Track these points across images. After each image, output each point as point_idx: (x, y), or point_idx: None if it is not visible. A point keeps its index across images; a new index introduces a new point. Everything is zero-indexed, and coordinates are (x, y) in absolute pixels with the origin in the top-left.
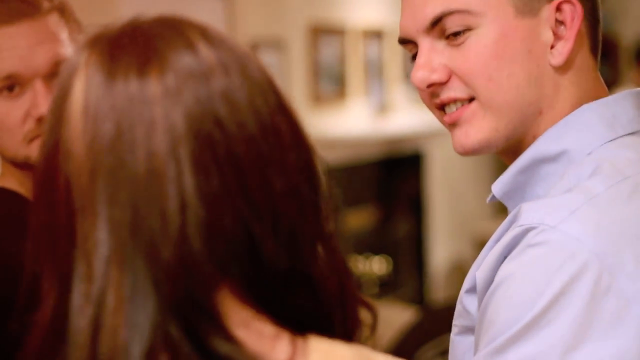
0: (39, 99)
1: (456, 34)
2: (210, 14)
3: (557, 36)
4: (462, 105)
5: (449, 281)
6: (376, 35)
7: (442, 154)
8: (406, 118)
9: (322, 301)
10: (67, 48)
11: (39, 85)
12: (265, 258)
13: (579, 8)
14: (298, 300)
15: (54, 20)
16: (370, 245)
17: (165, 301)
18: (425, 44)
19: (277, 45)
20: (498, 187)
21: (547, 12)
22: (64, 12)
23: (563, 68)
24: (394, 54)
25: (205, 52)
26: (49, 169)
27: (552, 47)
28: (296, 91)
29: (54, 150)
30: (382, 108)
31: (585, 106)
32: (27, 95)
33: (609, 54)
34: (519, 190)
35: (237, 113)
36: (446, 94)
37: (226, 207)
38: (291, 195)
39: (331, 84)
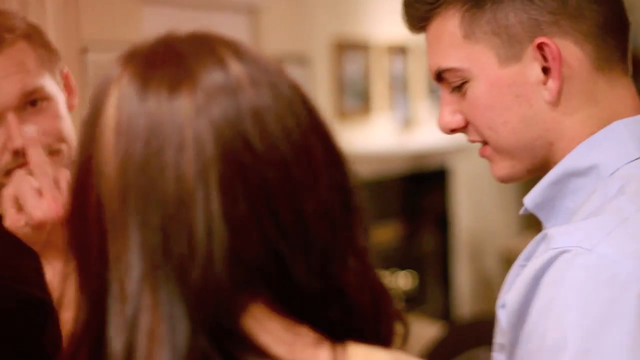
0: (13, 131)
1: (459, 87)
2: (234, 29)
3: (548, 72)
4: (483, 145)
5: (475, 297)
6: (401, 50)
7: (468, 169)
8: (431, 133)
9: (356, 314)
10: (38, 74)
11: (10, 118)
12: (295, 278)
13: (553, 48)
14: (331, 314)
15: (20, 50)
16: (396, 260)
17: (198, 323)
18: (444, 93)
19: (302, 60)
20: (530, 199)
21: (531, 54)
22: (30, 38)
23: (559, 101)
24: (419, 69)
25: (236, 69)
26: (81, 187)
27: (544, 82)
28: (321, 107)
29: (86, 167)
30: (407, 123)
31: (618, 122)
32: (0, 129)
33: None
34: (550, 203)
35: (267, 132)
36: (468, 137)
37: (253, 232)
38: (323, 216)
39: (356, 100)
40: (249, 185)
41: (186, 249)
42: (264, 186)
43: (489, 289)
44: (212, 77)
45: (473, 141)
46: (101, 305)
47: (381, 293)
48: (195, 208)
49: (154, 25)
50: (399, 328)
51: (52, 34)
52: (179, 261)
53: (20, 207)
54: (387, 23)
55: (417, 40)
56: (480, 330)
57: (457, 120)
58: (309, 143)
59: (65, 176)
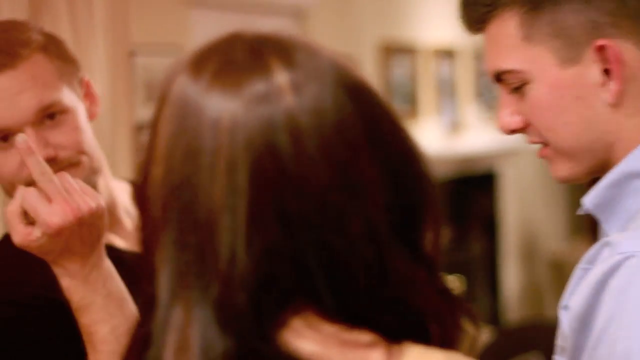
0: (33, 146)
1: (518, 88)
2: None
3: (608, 74)
4: (543, 146)
5: (523, 301)
6: (448, 54)
7: (516, 173)
8: (479, 137)
9: (416, 318)
10: (56, 87)
11: (29, 133)
12: (341, 294)
13: (614, 50)
14: (388, 318)
15: (36, 63)
16: (444, 264)
17: (233, 342)
18: (502, 94)
19: None
20: (589, 200)
21: (590, 56)
22: (47, 50)
23: (620, 102)
24: (466, 72)
25: (281, 80)
26: (142, 196)
27: (604, 84)
28: None
29: (146, 175)
30: (455, 127)
31: None
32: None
33: None
34: (610, 204)
35: (304, 150)
36: (528, 138)
37: (287, 255)
38: (370, 235)
39: (403, 103)
40: (281, 208)
41: (213, 271)
42: (298, 210)
43: (538, 293)
44: (254, 89)
45: (533, 142)
46: (149, 312)
47: (446, 296)
48: (221, 233)
49: (201, 29)
50: (469, 329)
51: (101, 38)
52: (208, 282)
53: (29, 221)
54: (435, 26)
55: (464, 44)
56: (529, 335)
57: (516, 121)
58: (360, 161)
59: (69, 178)
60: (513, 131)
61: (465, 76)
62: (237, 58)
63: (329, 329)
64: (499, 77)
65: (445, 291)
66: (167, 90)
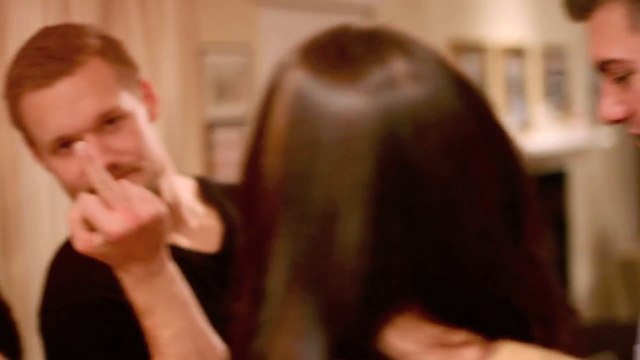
0: (94, 153)
1: (622, 77)
2: None
3: None
4: None
5: (594, 301)
6: (517, 52)
7: (586, 172)
8: (548, 136)
9: (522, 318)
10: (114, 92)
11: (90, 140)
12: (452, 292)
13: None
14: (495, 318)
15: (94, 69)
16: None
17: (333, 339)
18: (605, 84)
19: None
20: None
21: None
22: (105, 54)
23: None
24: (535, 71)
25: (402, 69)
26: (250, 180)
27: None
28: None
29: (255, 167)
30: (524, 126)
31: None
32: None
33: None
34: None
35: (427, 144)
36: (632, 128)
37: (403, 251)
38: (485, 234)
39: None
40: (404, 201)
41: (329, 264)
42: (420, 203)
43: (608, 292)
44: (374, 79)
45: (634, 134)
46: (255, 303)
47: (553, 298)
48: (343, 223)
49: (270, 27)
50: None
51: (171, 38)
52: (322, 274)
53: (90, 228)
54: (504, 25)
55: (533, 42)
56: (601, 335)
57: (619, 111)
58: (476, 155)
59: (129, 185)
60: (615, 121)
61: (534, 75)
62: (353, 49)
63: (430, 329)
64: (603, 66)
65: (553, 293)
66: (278, 85)
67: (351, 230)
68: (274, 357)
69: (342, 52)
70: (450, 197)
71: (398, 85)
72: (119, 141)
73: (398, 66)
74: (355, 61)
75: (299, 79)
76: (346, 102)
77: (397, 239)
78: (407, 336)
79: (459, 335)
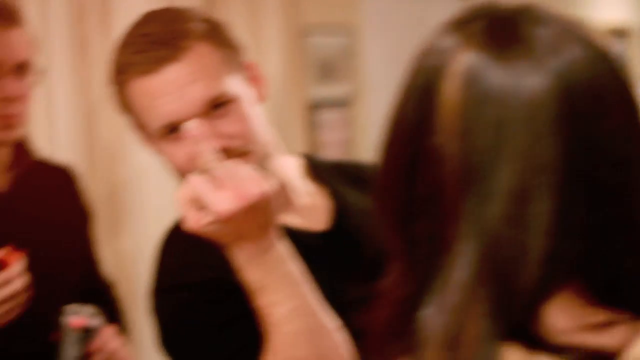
0: (204, 138)
1: None
2: (448, 15)
3: None
4: None
5: None
6: (621, 33)
7: None
8: None
9: None
10: (221, 76)
11: (200, 124)
12: (621, 273)
13: None
14: None
15: (200, 54)
16: None
17: (507, 320)
18: None
19: None
20: None
21: None
22: (211, 38)
23: None
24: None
25: (574, 49)
26: (410, 163)
27: None
28: None
29: (419, 141)
30: None
31: None
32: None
33: None
34: None
35: (608, 112)
36: None
37: (581, 236)
38: None
39: None
40: (592, 180)
41: (516, 246)
42: (608, 183)
43: None
44: (553, 59)
45: None
46: (424, 285)
47: None
48: (532, 202)
49: (373, 8)
50: None
51: (274, 19)
52: (508, 258)
53: (200, 207)
54: (608, 5)
55: (638, 22)
56: None
57: None
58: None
59: (237, 164)
60: None
61: (638, 55)
62: (520, 29)
63: (585, 309)
64: None
65: None
66: (440, 67)
67: (541, 212)
68: (466, 339)
69: (512, 32)
70: (635, 176)
71: (577, 67)
72: (227, 125)
73: (573, 48)
74: (529, 41)
75: (471, 60)
76: (528, 81)
77: (581, 220)
78: (564, 315)
79: (610, 315)
